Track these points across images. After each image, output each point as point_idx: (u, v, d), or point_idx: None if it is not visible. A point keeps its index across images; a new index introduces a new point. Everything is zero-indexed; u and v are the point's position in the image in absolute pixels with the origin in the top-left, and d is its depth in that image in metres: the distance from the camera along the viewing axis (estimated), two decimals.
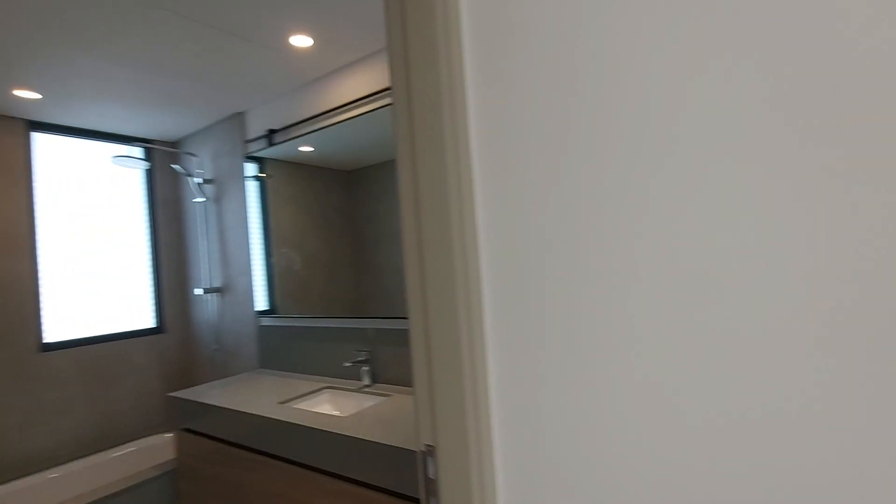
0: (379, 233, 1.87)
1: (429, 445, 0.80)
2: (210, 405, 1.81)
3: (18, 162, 2.22)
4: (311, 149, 2.07)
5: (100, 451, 2.34)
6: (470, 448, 0.77)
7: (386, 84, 1.82)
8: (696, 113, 0.53)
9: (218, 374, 2.61)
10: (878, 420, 0.42)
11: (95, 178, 2.53)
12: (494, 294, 0.75)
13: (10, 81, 1.87)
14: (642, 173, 0.57)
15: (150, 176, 2.76)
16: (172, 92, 2.10)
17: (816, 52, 0.44)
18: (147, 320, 2.69)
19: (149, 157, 2.76)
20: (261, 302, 2.35)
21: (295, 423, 1.49)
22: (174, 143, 2.83)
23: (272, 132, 2.25)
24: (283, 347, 2.27)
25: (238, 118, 2.43)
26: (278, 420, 1.55)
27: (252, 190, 2.36)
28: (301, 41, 1.73)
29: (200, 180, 2.63)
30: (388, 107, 1.78)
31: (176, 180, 2.85)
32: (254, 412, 1.64)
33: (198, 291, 2.53)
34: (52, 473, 2.14)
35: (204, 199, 2.64)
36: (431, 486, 0.79)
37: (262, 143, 2.32)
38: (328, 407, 1.87)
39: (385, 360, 1.88)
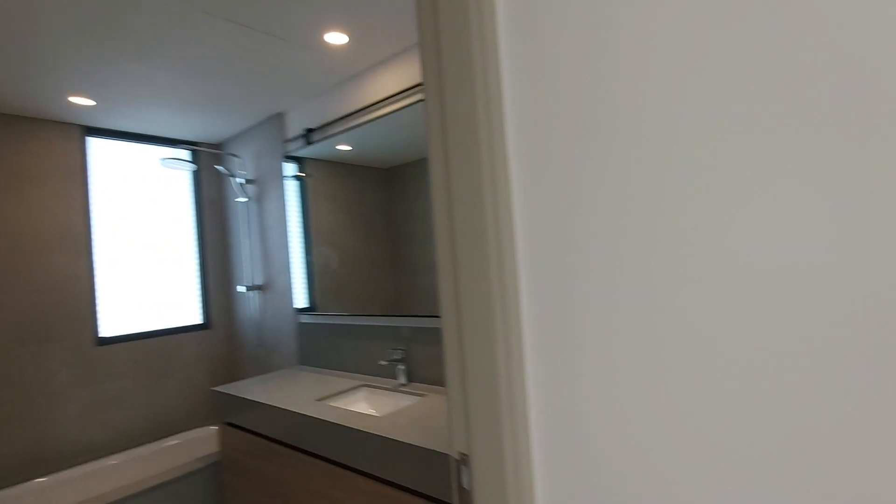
0: (415, 230, 1.85)
1: (462, 454, 0.76)
2: (250, 400, 1.84)
3: (76, 166, 2.35)
4: (349, 147, 2.07)
5: (150, 441, 2.45)
6: (506, 458, 0.72)
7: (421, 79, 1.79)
8: (765, 99, 0.46)
9: (260, 370, 2.67)
10: None
11: (146, 179, 2.64)
12: (533, 294, 0.70)
13: (67, 89, 1.97)
14: (701, 166, 0.50)
15: (197, 177, 2.86)
16: (216, 94, 2.16)
17: None
18: (194, 316, 2.79)
19: (195, 158, 2.86)
20: (300, 300, 2.38)
21: (331, 422, 1.49)
22: (218, 145, 2.91)
23: (309, 131, 2.27)
24: (321, 344, 2.29)
25: (278, 118, 2.47)
26: (314, 418, 1.55)
27: (292, 189, 2.40)
28: (336, 38, 1.73)
29: (243, 180, 2.69)
30: (422, 102, 1.75)
31: (220, 181, 2.94)
32: (291, 409, 1.65)
33: (240, 289, 2.60)
34: (108, 461, 2.25)
35: (246, 199, 2.71)
36: (465, 497, 0.75)
37: (301, 142, 2.34)
38: (364, 405, 1.86)
39: (421, 359, 1.85)
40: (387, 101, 1.94)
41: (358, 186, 2.05)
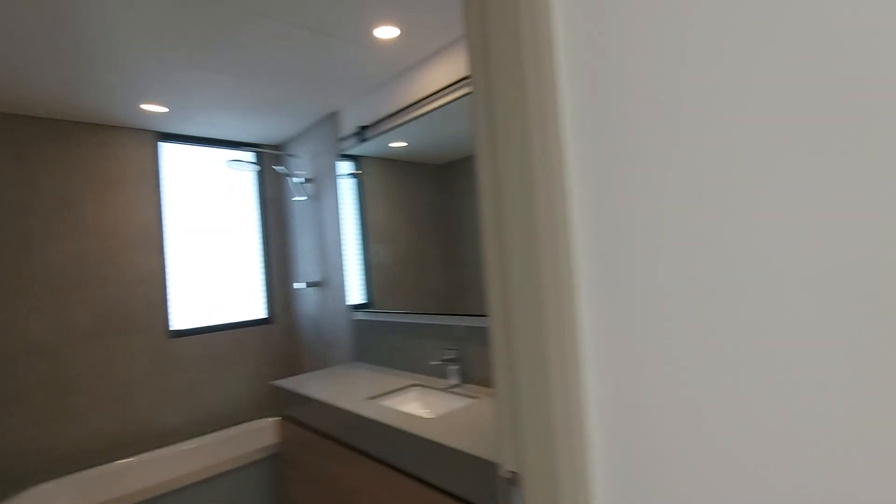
0: (469, 227, 1.79)
1: (512, 472, 0.69)
2: (305, 396, 1.87)
3: (150, 170, 2.50)
4: (403, 144, 2.05)
5: (218, 429, 2.58)
6: (561, 480, 0.64)
7: None
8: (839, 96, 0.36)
9: (318, 365, 2.73)
10: None
11: (213, 181, 2.78)
12: (592, 296, 0.62)
13: (140, 98, 2.10)
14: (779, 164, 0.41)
15: (260, 177, 2.98)
16: (274, 97, 2.21)
17: None
18: (258, 311, 2.91)
19: (258, 160, 2.97)
20: (356, 296, 2.40)
21: (381, 422, 1.47)
22: (279, 146, 3.01)
23: (362, 129, 2.27)
24: (374, 341, 2.29)
25: (332, 117, 2.50)
26: (365, 417, 1.53)
27: (348, 187, 2.42)
28: (386, 32, 1.70)
29: (301, 180, 2.76)
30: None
31: (280, 181, 3.03)
32: (343, 406, 1.65)
33: (299, 285, 2.67)
34: (180, 447, 2.39)
35: (304, 198, 2.77)
36: None
37: (354, 140, 2.35)
38: (416, 405, 1.83)
39: (474, 360, 1.79)
40: (438, 95, 1.89)
41: (412, 183, 2.02)
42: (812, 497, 0.42)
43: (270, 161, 3.01)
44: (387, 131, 2.14)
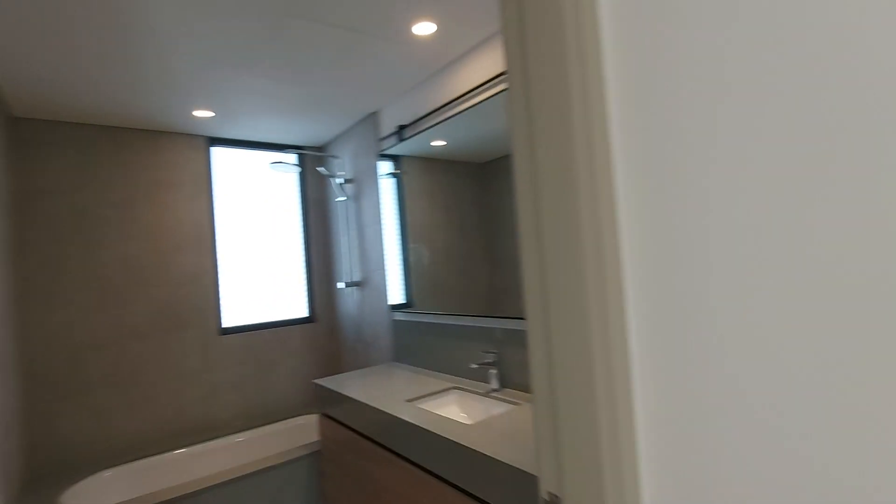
0: (510, 226, 1.74)
1: (552, 495, 0.64)
2: (344, 395, 1.88)
3: (201, 173, 2.61)
4: (443, 143, 2.02)
5: (264, 424, 2.65)
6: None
7: None
8: None
9: (358, 364, 2.76)
10: None
11: (258, 183, 2.86)
12: (643, 305, 0.56)
13: (191, 105, 2.18)
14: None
15: (302, 178, 3.04)
16: (316, 98, 2.24)
17: None
18: (301, 310, 2.97)
19: (301, 161, 3.04)
20: (395, 297, 2.39)
21: (418, 426, 1.44)
22: (321, 147, 3.06)
23: (401, 128, 2.26)
24: (414, 342, 2.28)
25: (372, 118, 2.51)
26: (403, 420, 1.51)
27: (389, 187, 2.41)
28: (424, 28, 1.67)
29: (342, 180, 2.79)
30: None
31: (322, 181, 3.09)
32: (381, 408, 1.64)
33: (340, 285, 2.70)
34: (229, 440, 2.48)
35: (345, 198, 2.80)
36: None
37: (394, 139, 2.35)
38: (454, 409, 1.80)
39: (514, 364, 1.74)
40: (476, 91, 1.84)
41: (453, 182, 1.99)
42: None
43: (313, 162, 3.06)
44: (425, 130, 2.11)
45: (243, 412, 2.65)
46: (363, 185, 2.63)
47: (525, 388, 1.70)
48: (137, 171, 2.42)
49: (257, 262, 2.82)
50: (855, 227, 0.39)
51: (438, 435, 1.36)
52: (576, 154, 0.58)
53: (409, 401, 1.73)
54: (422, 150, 2.16)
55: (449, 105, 1.99)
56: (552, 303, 0.62)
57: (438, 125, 2.04)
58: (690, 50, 0.49)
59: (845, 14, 0.38)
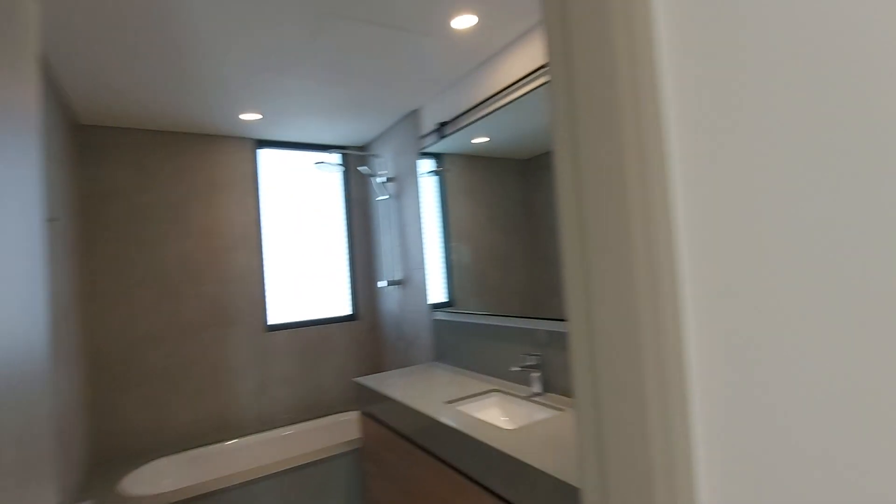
0: (555, 223, 1.67)
1: None
2: (383, 395, 1.87)
3: (249, 174, 2.69)
4: (485, 139, 1.97)
5: (308, 419, 2.70)
6: None
7: None
8: None
9: (399, 362, 2.76)
10: None
11: (303, 183, 2.92)
12: (703, 310, 0.49)
13: (239, 108, 2.25)
14: None
15: (345, 178, 3.08)
16: (358, 98, 2.25)
17: None
18: (344, 308, 3.01)
19: (344, 161, 3.08)
20: (437, 295, 2.37)
21: (458, 430, 1.41)
22: (364, 147, 3.09)
23: (442, 125, 2.23)
24: (454, 342, 2.25)
25: (413, 116, 2.50)
26: (443, 423, 1.48)
27: (430, 185, 2.39)
28: (464, 22, 1.63)
29: (383, 179, 2.80)
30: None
31: (365, 181, 3.11)
32: (421, 410, 1.62)
33: (381, 284, 2.71)
34: (275, 434, 2.55)
35: (386, 197, 2.81)
36: None
37: (434, 137, 2.32)
38: (495, 412, 1.75)
39: (557, 368, 1.67)
40: (517, 85, 1.78)
41: (496, 179, 1.94)
42: None
43: (355, 162, 3.09)
44: (465, 126, 2.07)
45: (289, 407, 2.72)
46: (404, 183, 2.63)
47: (569, 393, 1.62)
48: (192, 174, 2.53)
49: (302, 261, 2.88)
50: None
51: (477, 440, 1.32)
52: (625, 150, 0.52)
53: (448, 403, 1.70)
54: (463, 147, 2.12)
55: (490, 100, 1.93)
56: (596, 304, 0.57)
57: (479, 121, 1.99)
58: (759, 33, 0.42)
59: None
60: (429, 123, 2.39)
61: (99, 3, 1.37)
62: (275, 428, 2.59)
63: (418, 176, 2.48)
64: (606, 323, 0.56)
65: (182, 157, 2.51)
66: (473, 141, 2.04)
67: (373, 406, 1.99)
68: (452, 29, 1.67)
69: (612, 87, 0.54)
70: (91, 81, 1.86)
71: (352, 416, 2.76)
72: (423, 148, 2.42)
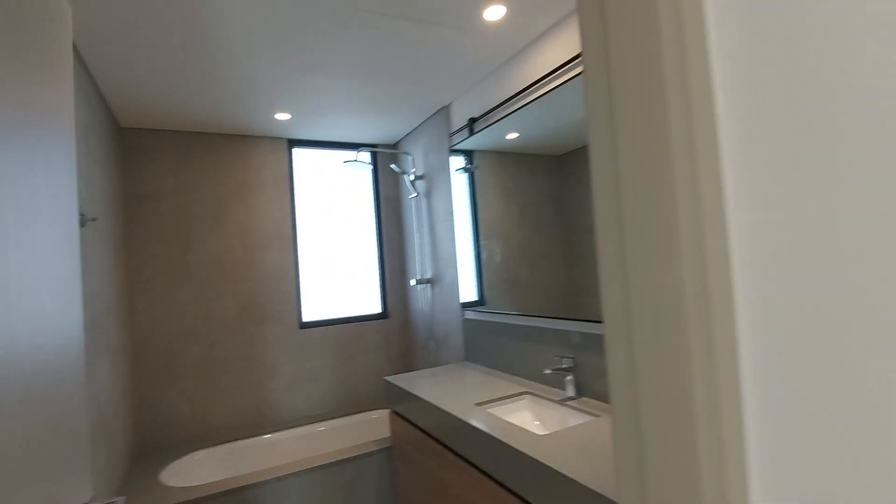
0: (589, 221, 1.60)
1: None
2: (413, 394, 1.85)
3: (283, 174, 2.73)
4: (516, 135, 1.92)
5: (340, 415, 2.72)
6: None
7: None
8: None
9: (430, 361, 2.74)
10: None
11: (334, 181, 2.94)
12: (759, 314, 0.44)
13: (272, 108, 2.28)
14: None
15: (375, 176, 3.08)
16: (387, 95, 2.24)
17: None
18: (375, 306, 3.02)
19: (374, 159, 3.08)
20: (467, 294, 2.33)
21: (491, 435, 1.37)
22: (394, 145, 3.08)
23: (472, 121, 2.18)
24: (485, 342, 2.21)
25: (443, 112, 2.46)
26: (472, 426, 1.45)
27: (460, 183, 2.36)
28: (493, 13, 1.58)
29: (413, 177, 2.78)
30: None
31: (395, 179, 3.10)
32: (450, 411, 1.58)
33: (412, 282, 2.69)
34: (309, 429, 2.58)
35: (416, 195, 2.79)
36: None
37: (465, 133, 2.28)
38: (527, 416, 1.70)
39: (592, 371, 1.60)
40: (550, 77, 1.72)
41: (528, 176, 1.88)
42: None
43: (385, 160, 3.09)
44: (496, 122, 2.02)
45: (322, 403, 2.75)
46: (434, 181, 2.60)
47: (605, 397, 1.55)
48: (227, 174, 2.58)
49: (334, 259, 2.91)
50: None
51: (509, 445, 1.28)
52: (672, 141, 0.47)
53: (478, 404, 1.66)
54: (494, 143, 2.07)
55: (521, 94, 1.88)
56: (636, 306, 0.52)
57: (510, 116, 1.94)
58: (830, 12, 0.36)
59: None
60: (459, 119, 2.35)
61: (136, 12, 1.40)
62: (308, 424, 2.62)
63: (449, 173, 2.45)
64: (648, 326, 0.52)
65: (218, 157, 2.57)
66: (505, 136, 1.99)
67: (403, 405, 1.98)
68: (483, 21, 1.62)
69: (657, 73, 0.48)
70: (129, 87, 1.92)
71: (383, 414, 2.76)
72: (454, 145, 2.39)
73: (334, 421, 2.67)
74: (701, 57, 0.47)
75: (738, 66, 0.44)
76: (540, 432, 1.57)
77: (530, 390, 1.78)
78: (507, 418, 1.67)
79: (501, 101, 2.01)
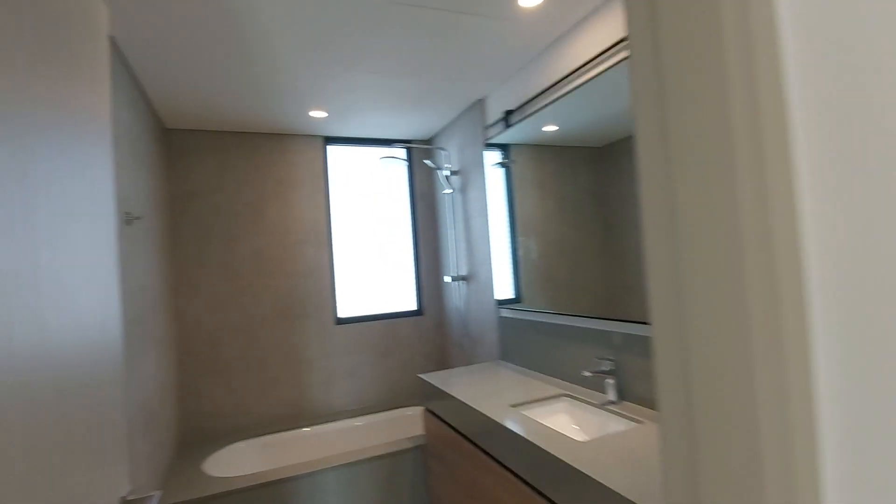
0: (632, 216, 1.51)
1: None
2: (447, 393, 1.82)
3: (319, 171, 2.75)
4: (555, 128, 1.85)
5: (375, 411, 2.74)
6: None
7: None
8: None
9: (464, 360, 2.70)
10: None
11: (369, 178, 2.95)
12: (836, 319, 0.37)
13: (309, 106, 2.30)
14: None
15: (410, 172, 3.06)
16: (422, 90, 2.21)
17: None
18: (411, 303, 3.01)
19: (409, 155, 3.06)
20: (503, 292, 2.28)
21: (526, 439, 1.32)
22: (428, 140, 3.05)
23: (508, 113, 2.12)
24: (521, 341, 2.15)
25: (478, 106, 2.41)
26: (507, 428, 1.40)
27: (496, 178, 2.30)
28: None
29: (448, 172, 2.75)
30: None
31: (430, 175, 3.08)
32: (484, 412, 1.54)
33: (446, 279, 2.66)
34: (345, 424, 2.60)
35: (451, 191, 2.75)
36: None
37: (500, 126, 2.22)
38: (565, 420, 1.63)
39: (635, 374, 1.52)
40: (589, 66, 1.63)
41: (567, 170, 1.81)
42: None
43: (420, 156, 3.07)
44: (533, 113, 1.95)
45: (357, 399, 2.77)
46: (469, 176, 2.55)
47: (649, 402, 1.47)
48: (265, 172, 2.63)
49: (369, 256, 2.92)
50: None
51: (545, 450, 1.22)
52: (733, 127, 0.41)
53: (514, 406, 1.61)
54: (531, 136, 2.00)
55: (558, 84, 1.80)
56: (691, 307, 0.47)
57: (548, 107, 1.87)
58: None
59: None
60: (494, 113, 2.29)
61: (179, 19, 1.43)
62: (344, 418, 2.65)
63: (484, 168, 2.40)
64: (706, 330, 0.47)
65: (257, 156, 2.62)
66: (542, 129, 1.92)
67: (437, 404, 1.95)
68: (518, 7, 1.56)
69: (716, 52, 0.43)
70: (173, 89, 1.97)
71: (417, 411, 2.76)
72: (489, 139, 2.33)
73: (370, 416, 2.68)
74: (768, 29, 0.41)
75: (812, 42, 0.38)
76: (579, 438, 1.50)
77: (568, 392, 1.71)
78: (544, 421, 1.61)
79: (539, 91, 1.94)
